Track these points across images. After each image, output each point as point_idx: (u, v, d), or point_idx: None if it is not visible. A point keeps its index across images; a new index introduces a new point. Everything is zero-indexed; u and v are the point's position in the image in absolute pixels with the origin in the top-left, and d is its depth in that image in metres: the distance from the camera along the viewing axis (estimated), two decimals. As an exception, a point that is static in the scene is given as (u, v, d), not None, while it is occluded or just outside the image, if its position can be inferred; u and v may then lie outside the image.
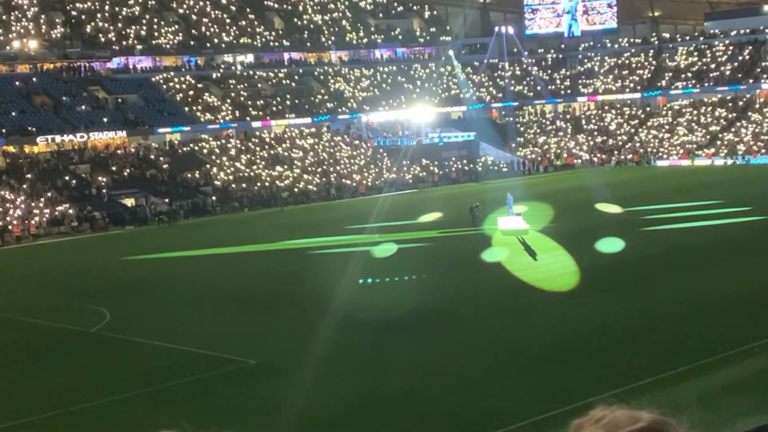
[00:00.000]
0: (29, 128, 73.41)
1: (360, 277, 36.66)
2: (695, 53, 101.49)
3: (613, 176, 76.81)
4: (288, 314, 30.92)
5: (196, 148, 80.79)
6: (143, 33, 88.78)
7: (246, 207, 72.49)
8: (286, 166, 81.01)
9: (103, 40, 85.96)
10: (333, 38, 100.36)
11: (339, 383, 22.68)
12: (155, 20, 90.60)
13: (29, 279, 44.03)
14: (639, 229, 44.80)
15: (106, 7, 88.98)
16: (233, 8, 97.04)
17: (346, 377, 23.14)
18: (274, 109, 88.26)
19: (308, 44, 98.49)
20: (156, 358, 26.63)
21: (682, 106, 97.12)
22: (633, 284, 31.90)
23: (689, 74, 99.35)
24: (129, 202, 70.11)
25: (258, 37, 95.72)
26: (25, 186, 67.96)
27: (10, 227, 61.90)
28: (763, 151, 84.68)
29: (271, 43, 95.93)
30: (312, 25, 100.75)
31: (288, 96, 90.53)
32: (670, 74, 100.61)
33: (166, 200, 69.77)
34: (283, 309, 31.79)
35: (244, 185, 76.19)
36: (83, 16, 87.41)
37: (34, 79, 79.41)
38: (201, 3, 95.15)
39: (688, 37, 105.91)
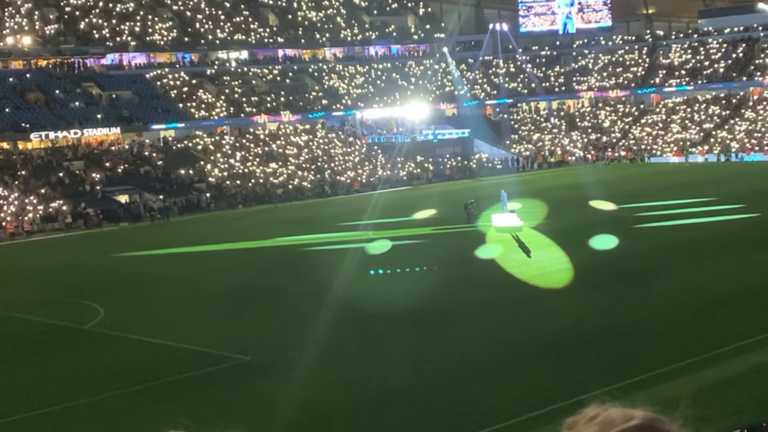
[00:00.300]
0: (23, 124, 73.27)
1: (354, 274, 36.65)
2: (689, 51, 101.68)
3: (607, 173, 76.90)
4: (282, 310, 30.92)
5: (190, 144, 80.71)
6: (137, 29, 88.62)
7: (240, 204, 72.46)
8: (280, 163, 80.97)
9: (97, 36, 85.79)
10: (327, 35, 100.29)
11: (334, 379, 22.70)
12: (149, 17, 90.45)
13: (23, 275, 43.98)
14: (633, 226, 44.86)
15: (100, 4, 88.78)
16: (227, 5, 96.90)
17: (341, 373, 23.15)
18: (269, 105, 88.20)
19: (302, 41, 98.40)
20: (150, 354, 26.61)
21: (675, 104, 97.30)
22: (626, 281, 31.95)
23: (683, 72, 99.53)
24: (123, 198, 70.03)
25: (252, 33, 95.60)
26: (18, 182, 67.84)
27: (3, 223, 61.77)
28: (756, 148, 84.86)
29: (266, 40, 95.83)
30: (306, 22, 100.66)
31: (282, 93, 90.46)
32: (664, 72, 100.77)
33: (161, 197, 69.69)
34: (278, 305, 31.78)
35: (238, 182, 76.15)
36: (77, 13, 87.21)
37: (28, 75, 79.25)
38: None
39: (682, 35, 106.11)
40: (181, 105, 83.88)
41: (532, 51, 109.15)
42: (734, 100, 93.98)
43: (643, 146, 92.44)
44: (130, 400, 22.10)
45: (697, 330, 25.10)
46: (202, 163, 78.00)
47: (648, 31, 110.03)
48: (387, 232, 48.33)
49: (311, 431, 19.29)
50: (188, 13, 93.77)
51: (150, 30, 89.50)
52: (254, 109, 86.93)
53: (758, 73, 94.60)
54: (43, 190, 67.33)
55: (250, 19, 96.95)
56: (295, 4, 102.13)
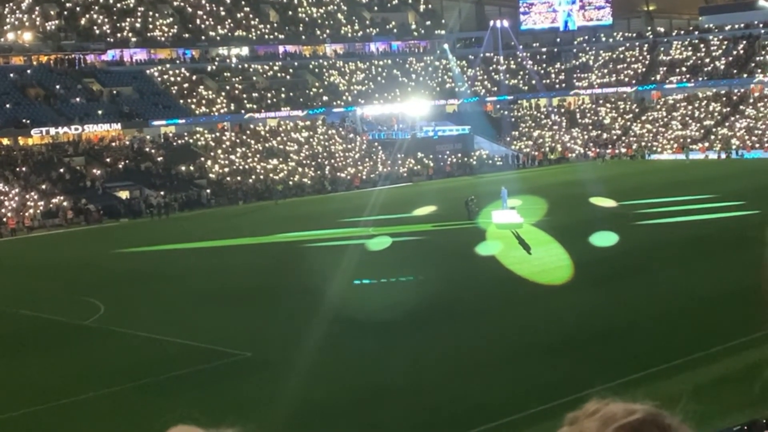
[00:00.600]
0: (23, 120, 73.24)
1: (354, 270, 36.67)
2: (690, 47, 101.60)
3: (607, 170, 76.88)
4: (283, 307, 30.94)
5: (191, 140, 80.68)
6: (138, 25, 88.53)
7: (240, 200, 72.45)
8: (280, 159, 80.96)
9: (97, 32, 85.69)
10: (328, 31, 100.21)
11: (334, 376, 22.74)
12: (150, 13, 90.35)
13: (24, 271, 43.97)
14: (633, 223, 44.87)
15: (101, 0, 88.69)
16: (228, 1, 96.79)
17: (341, 370, 23.20)
18: (269, 102, 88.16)
19: (303, 37, 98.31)
20: (150, 350, 26.65)
21: (676, 101, 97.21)
22: (627, 278, 31.98)
23: (684, 68, 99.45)
24: (123, 194, 70.02)
25: (253, 29, 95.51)
26: (19, 178, 67.84)
27: (5, 219, 61.80)
28: (756, 145, 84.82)
29: (266, 36, 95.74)
30: (307, 18, 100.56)
31: (283, 89, 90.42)
32: (665, 68, 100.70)
33: (161, 193, 69.70)
34: (278, 302, 31.79)
35: (238, 178, 76.14)
36: (78, 8, 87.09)
37: (29, 71, 79.18)
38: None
39: (682, 32, 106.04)
40: (181, 101, 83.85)
41: (532, 48, 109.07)
42: (735, 97, 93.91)
43: (643, 143, 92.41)
44: (130, 395, 22.14)
45: (697, 327, 25.14)
46: (202, 159, 77.97)
47: (649, 28, 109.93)
48: (387, 229, 48.35)
49: (311, 427, 19.33)
50: (189, 9, 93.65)
51: (150, 26, 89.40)
52: (255, 106, 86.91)
53: (759, 70, 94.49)
54: (43, 186, 67.31)
55: (251, 16, 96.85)
56: (295, 1, 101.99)
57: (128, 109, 79.59)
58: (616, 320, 26.19)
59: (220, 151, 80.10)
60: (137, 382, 23.22)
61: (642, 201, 52.21)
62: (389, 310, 29.24)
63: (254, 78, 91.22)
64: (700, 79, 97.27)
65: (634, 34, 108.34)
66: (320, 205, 65.50)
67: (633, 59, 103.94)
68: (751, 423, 13.35)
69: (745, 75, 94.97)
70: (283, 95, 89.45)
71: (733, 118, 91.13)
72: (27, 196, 65.59)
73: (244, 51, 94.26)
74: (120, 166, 73.65)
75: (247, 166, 78.56)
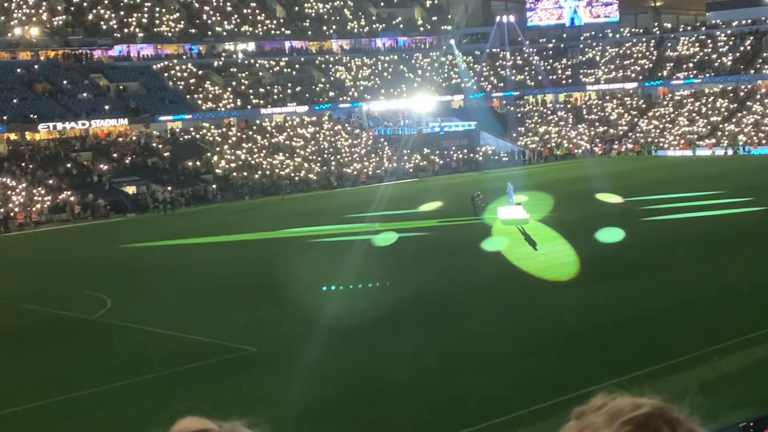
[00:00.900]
0: (31, 115, 73.38)
1: (360, 266, 36.69)
2: (697, 43, 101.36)
3: (613, 166, 76.75)
4: (288, 302, 30.93)
5: (198, 136, 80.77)
6: (145, 21, 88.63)
7: (247, 195, 72.54)
8: (286, 155, 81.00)
9: (104, 27, 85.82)
10: (334, 27, 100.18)
11: (339, 371, 22.76)
12: (157, 8, 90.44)
13: (31, 266, 44.09)
14: (639, 219, 44.83)
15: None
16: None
17: (345, 365, 23.22)
18: (275, 97, 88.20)
19: (309, 33, 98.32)
20: (157, 345, 26.71)
21: (683, 96, 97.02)
22: (633, 274, 31.94)
23: (690, 64, 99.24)
24: (130, 189, 70.17)
25: (259, 25, 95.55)
26: (26, 173, 67.99)
27: (12, 214, 61.99)
28: (764, 141, 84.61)
29: (273, 32, 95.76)
30: (313, 14, 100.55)
31: (289, 84, 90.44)
32: (672, 64, 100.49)
33: (168, 188, 69.83)
34: (284, 297, 31.79)
35: (245, 173, 76.21)
36: (85, 4, 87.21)
37: (36, 66, 79.34)
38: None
39: (689, 27, 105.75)
40: (188, 96, 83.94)
41: (539, 43, 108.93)
42: (742, 93, 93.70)
43: (650, 139, 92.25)
44: (137, 390, 22.19)
45: (703, 323, 25.11)
46: (208, 154, 78.07)
47: (656, 24, 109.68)
48: (393, 224, 48.35)
49: (316, 422, 19.36)
50: (195, 5, 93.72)
51: (157, 21, 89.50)
52: (261, 101, 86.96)
53: (766, 66, 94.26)
54: (50, 181, 67.47)
55: (258, 11, 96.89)
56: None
57: (135, 104, 79.70)
58: (622, 316, 26.16)
59: (226, 147, 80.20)
60: (144, 376, 23.28)
61: (648, 197, 52.12)
62: (394, 306, 29.25)
63: (260, 73, 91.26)
64: (707, 75, 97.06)
65: (641, 30, 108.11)
66: (326, 201, 65.52)
67: (640, 55, 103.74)
68: (758, 419, 13.35)
69: (752, 71, 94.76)
70: (289, 91, 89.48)
71: (740, 114, 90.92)
72: (34, 191, 65.75)
73: (251, 46, 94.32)
74: (127, 161, 73.78)
75: (253, 162, 78.62)
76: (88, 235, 56.05)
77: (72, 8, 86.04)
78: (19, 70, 77.95)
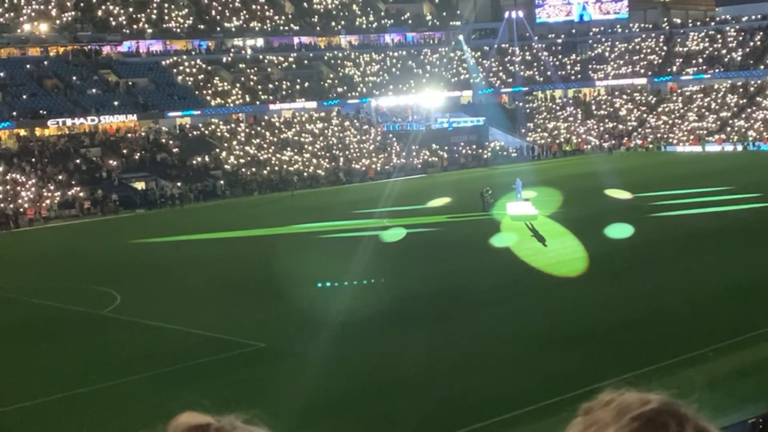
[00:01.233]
0: (40, 111, 73.58)
1: (369, 261, 36.71)
2: (706, 39, 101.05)
3: (622, 162, 76.59)
4: (297, 297, 30.98)
5: (206, 132, 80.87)
6: (154, 17, 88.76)
7: (256, 191, 72.63)
8: (295, 151, 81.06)
9: (113, 23, 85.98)
10: (343, 23, 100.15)
11: (346, 366, 22.80)
12: (165, 4, 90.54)
13: (41, 261, 44.26)
14: (648, 215, 44.75)
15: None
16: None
17: (354, 361, 23.25)
18: (284, 93, 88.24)
19: (318, 28, 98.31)
20: (166, 340, 26.79)
21: (692, 92, 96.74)
22: (642, 270, 31.90)
23: (700, 60, 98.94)
24: (139, 185, 70.33)
25: (268, 21, 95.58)
26: (36, 169, 68.18)
27: (22, 210, 62.20)
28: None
29: (281, 28, 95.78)
30: (322, 10, 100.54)
31: (298, 80, 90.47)
32: (681, 60, 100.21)
33: (177, 184, 69.97)
34: (293, 292, 31.83)
35: (253, 169, 76.29)
36: (94, 0, 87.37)
37: (45, 62, 79.53)
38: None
39: (699, 23, 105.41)
40: (197, 92, 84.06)
41: (548, 39, 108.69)
42: (751, 89, 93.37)
43: (659, 135, 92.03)
44: (146, 385, 22.26)
45: (712, 319, 25.07)
46: (217, 150, 78.17)
47: (665, 19, 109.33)
48: (402, 220, 48.37)
49: (324, 417, 19.39)
50: (204, 1, 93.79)
51: (166, 17, 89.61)
52: (270, 97, 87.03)
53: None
54: (60, 177, 67.65)
55: (266, 7, 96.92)
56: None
57: (144, 100, 79.85)
58: (630, 312, 26.14)
59: (235, 143, 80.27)
60: (152, 371, 23.34)
61: (657, 193, 52.02)
62: (402, 302, 29.29)
63: (269, 69, 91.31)
64: (717, 70, 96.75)
65: (651, 25, 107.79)
66: (335, 197, 65.56)
67: (649, 50, 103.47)
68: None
69: (762, 66, 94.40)
70: (297, 86, 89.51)
71: (749, 110, 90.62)
72: (43, 187, 65.94)
73: (260, 42, 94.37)
74: (136, 157, 73.92)
75: (262, 158, 78.69)
76: (98, 230, 56.21)
77: (81, 4, 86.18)
78: (28, 66, 78.16)
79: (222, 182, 72.95)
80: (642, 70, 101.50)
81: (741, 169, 64.24)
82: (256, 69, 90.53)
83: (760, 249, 34.52)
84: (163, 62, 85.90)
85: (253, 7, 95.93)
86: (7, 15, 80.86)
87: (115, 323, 29.51)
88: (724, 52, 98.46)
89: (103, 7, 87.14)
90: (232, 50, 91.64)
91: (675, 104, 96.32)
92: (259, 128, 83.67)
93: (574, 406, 1.96)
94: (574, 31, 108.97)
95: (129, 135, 77.56)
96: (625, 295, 28.39)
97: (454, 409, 19.46)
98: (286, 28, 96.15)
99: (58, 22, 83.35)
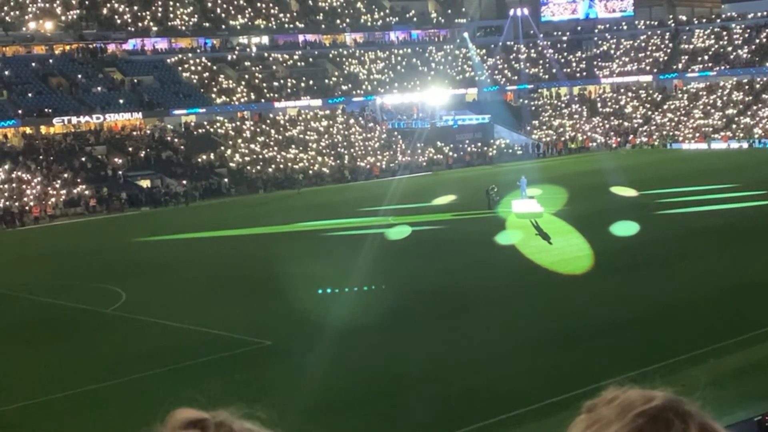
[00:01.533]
0: (46, 109, 73.70)
1: (373, 259, 36.71)
2: (712, 36, 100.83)
3: (628, 159, 76.47)
4: (303, 295, 31.00)
5: (211, 129, 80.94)
6: (159, 15, 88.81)
7: (261, 189, 72.66)
8: (300, 148, 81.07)
9: (118, 21, 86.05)
10: (348, 20, 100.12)
11: (352, 364, 22.81)
12: (171, 2, 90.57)
13: (46, 259, 44.32)
14: (654, 213, 44.69)
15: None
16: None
17: (359, 359, 23.25)
18: (289, 91, 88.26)
19: (323, 26, 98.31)
20: (171, 338, 26.82)
21: (698, 89, 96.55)
22: (646, 268, 31.87)
23: (706, 57, 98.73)
24: (144, 183, 70.42)
25: (273, 19, 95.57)
26: (41, 167, 68.28)
27: (27, 208, 62.31)
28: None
29: (286, 25, 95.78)
30: (327, 7, 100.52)
31: (303, 78, 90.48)
32: (687, 57, 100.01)
33: (183, 182, 70.05)
34: (298, 290, 31.86)
35: (258, 167, 76.33)
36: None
37: (51, 60, 79.63)
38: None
39: (704, 20, 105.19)
40: (202, 90, 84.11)
41: (553, 36, 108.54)
42: (757, 86, 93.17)
43: (665, 132, 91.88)
44: (151, 383, 22.29)
45: (717, 317, 25.04)
46: (222, 148, 78.23)
47: (671, 16, 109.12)
48: (407, 218, 48.35)
49: (330, 414, 19.41)
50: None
51: (171, 15, 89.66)
52: (275, 95, 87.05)
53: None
54: (65, 175, 67.76)
55: (271, 4, 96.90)
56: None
57: (149, 98, 79.93)
58: (635, 310, 26.12)
59: (240, 141, 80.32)
60: (158, 369, 23.38)
61: (663, 190, 51.95)
62: (407, 300, 29.29)
63: (274, 67, 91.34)
64: (723, 67, 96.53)
65: (656, 23, 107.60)
66: (340, 194, 65.58)
67: (654, 48, 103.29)
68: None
69: (767, 63, 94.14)
70: (302, 84, 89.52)
71: (755, 107, 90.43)
72: (49, 185, 66.04)
73: (264, 40, 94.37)
74: (141, 155, 74.02)
75: (267, 155, 78.73)
76: (103, 228, 56.30)
77: (86, 2, 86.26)
78: (33, 64, 78.27)
79: (227, 180, 73.01)
80: (647, 68, 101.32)
81: (747, 166, 64.10)
82: (261, 67, 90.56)
83: (765, 246, 34.45)
84: (168, 60, 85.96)
85: (258, 5, 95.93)
86: (12, 13, 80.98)
87: (120, 321, 29.56)
88: (729, 49, 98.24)
89: (108, 5, 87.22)
90: (237, 48, 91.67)
91: (681, 101, 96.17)
92: (264, 126, 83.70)
93: (578, 404, 1.96)
94: (579, 28, 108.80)
95: (134, 133, 77.65)
96: (630, 293, 28.37)
97: (459, 407, 19.46)
98: (291, 26, 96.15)
99: (63, 20, 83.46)
